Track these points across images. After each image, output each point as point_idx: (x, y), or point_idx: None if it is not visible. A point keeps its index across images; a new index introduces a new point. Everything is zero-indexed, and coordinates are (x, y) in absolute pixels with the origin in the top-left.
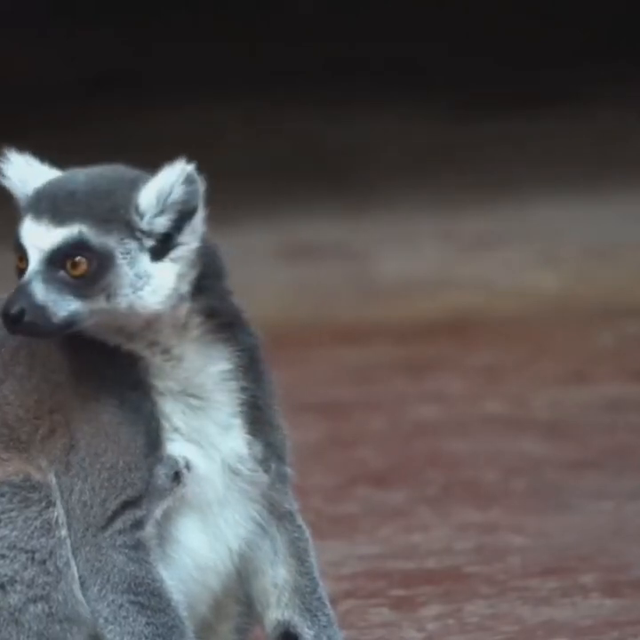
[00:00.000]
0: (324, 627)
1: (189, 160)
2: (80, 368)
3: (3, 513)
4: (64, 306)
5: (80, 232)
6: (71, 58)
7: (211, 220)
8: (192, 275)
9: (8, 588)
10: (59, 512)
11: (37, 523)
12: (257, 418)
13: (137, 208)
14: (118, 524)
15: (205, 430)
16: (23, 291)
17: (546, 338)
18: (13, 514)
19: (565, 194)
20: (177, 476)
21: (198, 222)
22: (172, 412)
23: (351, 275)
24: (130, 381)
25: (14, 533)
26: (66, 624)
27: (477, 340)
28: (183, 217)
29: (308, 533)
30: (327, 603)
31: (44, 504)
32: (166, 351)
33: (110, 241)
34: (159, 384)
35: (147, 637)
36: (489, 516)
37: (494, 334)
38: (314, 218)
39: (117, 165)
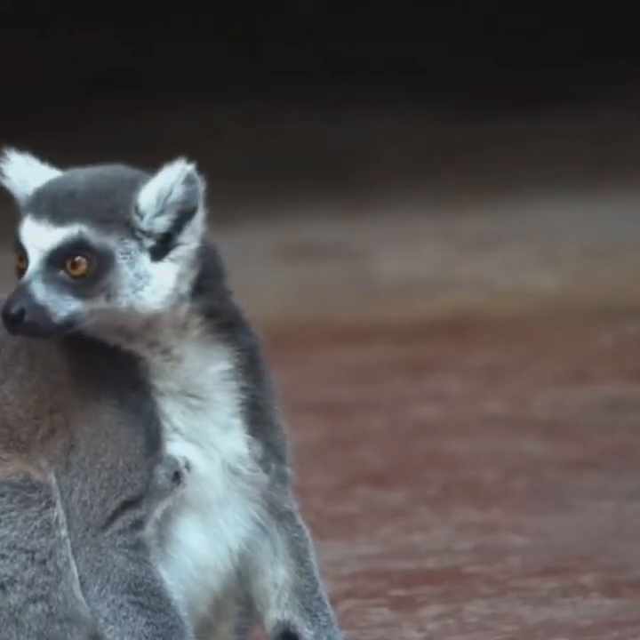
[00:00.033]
0: (324, 627)
1: (189, 160)
2: (80, 368)
3: (3, 513)
4: (64, 306)
5: (80, 232)
6: (71, 58)
7: (211, 220)
8: (192, 275)
9: (8, 587)
10: (59, 512)
11: (37, 523)
12: (257, 418)
13: (137, 208)
14: (118, 524)
15: (205, 430)
16: (23, 291)
17: (546, 338)
18: (13, 514)
19: (565, 194)
20: (177, 476)
21: (198, 222)
22: (172, 412)
23: (351, 275)
24: (130, 381)
25: (14, 533)
26: (66, 624)
27: (477, 340)
28: (183, 217)
29: (307, 533)
30: (327, 603)
31: (43, 504)
32: (166, 351)
33: (110, 241)
34: (159, 384)
35: (147, 637)
36: (489, 515)
37: (494, 334)
38: (314, 218)
39: (117, 165)
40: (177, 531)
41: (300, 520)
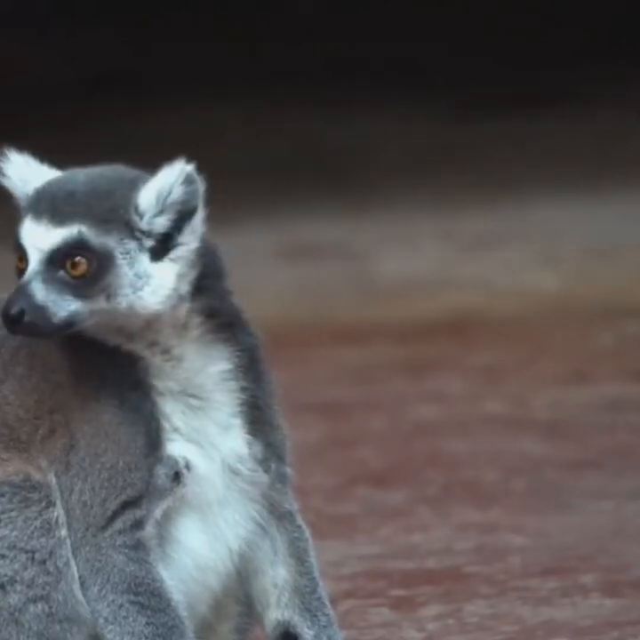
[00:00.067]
0: (324, 627)
1: (189, 160)
2: (80, 368)
3: (3, 513)
4: (64, 306)
5: (80, 232)
6: (71, 58)
7: (211, 220)
8: (192, 275)
9: (8, 587)
10: (59, 512)
11: (37, 523)
12: (257, 418)
13: (136, 208)
14: (118, 524)
15: (205, 430)
16: (23, 291)
17: (546, 338)
18: (13, 514)
19: (565, 194)
20: (177, 476)
21: (198, 222)
22: (172, 413)
23: (351, 275)
24: (130, 381)
25: (14, 533)
26: (66, 624)
27: (477, 340)
28: (183, 217)
29: (307, 533)
30: (327, 603)
31: (44, 504)
32: (166, 351)
33: (110, 241)
34: (159, 384)
35: (147, 637)
36: (489, 515)
37: (494, 334)
38: (314, 218)
39: (117, 165)
40: (177, 531)
41: (299, 520)
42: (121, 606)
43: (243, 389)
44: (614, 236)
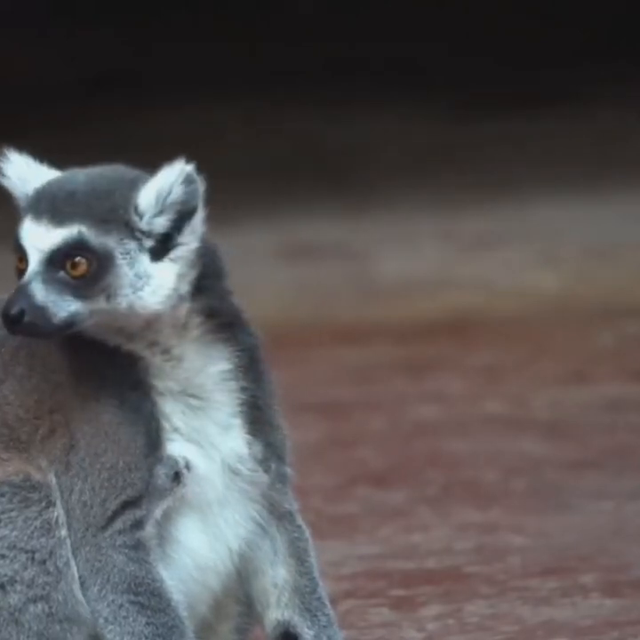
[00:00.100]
0: (324, 627)
1: (189, 160)
2: (80, 368)
3: (3, 513)
4: (64, 306)
5: (80, 232)
6: (71, 58)
7: (211, 220)
8: (192, 275)
9: (8, 587)
10: (59, 512)
11: (37, 523)
12: (257, 418)
13: (136, 208)
14: (118, 524)
15: (205, 430)
16: (23, 291)
17: (546, 338)
18: (13, 514)
19: (565, 194)
20: (177, 476)
21: (198, 222)
22: (172, 413)
23: (351, 275)
24: (130, 381)
25: (14, 533)
26: (66, 624)
27: (477, 340)
28: (183, 217)
29: (307, 533)
30: (327, 603)
31: (44, 504)
32: (166, 351)
33: (110, 241)
34: (159, 384)
35: (147, 637)
36: (489, 515)
37: (494, 334)
38: (314, 218)
39: (117, 165)
40: (177, 531)
41: (299, 520)
42: (121, 606)
43: (243, 389)
44: (614, 236)
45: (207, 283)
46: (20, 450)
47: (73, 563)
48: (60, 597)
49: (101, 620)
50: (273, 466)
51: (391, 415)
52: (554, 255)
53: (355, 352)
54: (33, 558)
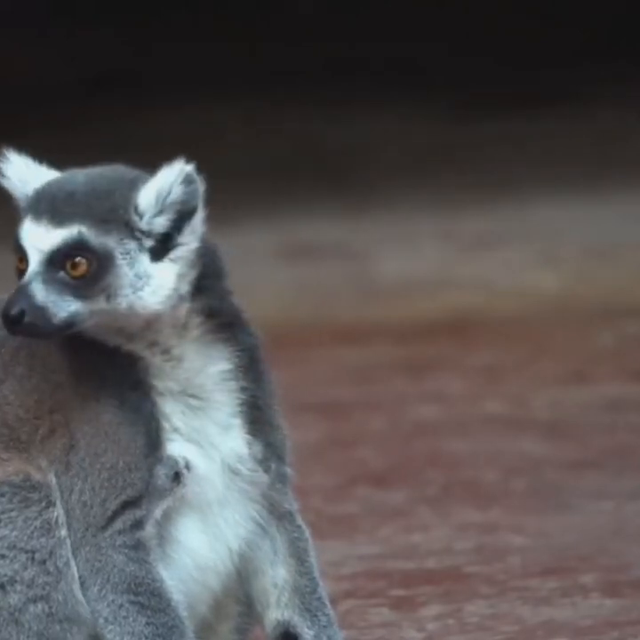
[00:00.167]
0: (324, 627)
1: (189, 160)
2: (80, 368)
3: (3, 513)
4: (64, 307)
5: (80, 233)
6: (71, 58)
7: (211, 220)
8: (192, 275)
9: (8, 587)
10: (59, 512)
11: (37, 523)
12: (257, 418)
13: (136, 208)
14: (118, 524)
15: (205, 430)
16: (23, 292)
17: (546, 338)
18: (13, 514)
19: (565, 194)
20: (177, 476)
21: (198, 222)
22: (172, 413)
23: (351, 275)
24: (130, 382)
25: (14, 533)
26: (66, 624)
27: (477, 340)
28: (182, 217)
29: (307, 533)
30: (327, 603)
31: (44, 504)
32: (166, 351)
33: (110, 241)
34: (159, 384)
35: (147, 637)
36: (489, 515)
37: (494, 334)
38: (314, 218)
39: (117, 165)
40: (177, 531)
41: (299, 520)
42: (121, 606)
43: (243, 389)
44: (614, 236)
45: (207, 283)
46: (20, 450)
47: (73, 563)
48: (60, 597)
49: (101, 620)
50: (273, 466)
51: (391, 415)
52: (554, 255)
53: (355, 352)
54: (33, 558)
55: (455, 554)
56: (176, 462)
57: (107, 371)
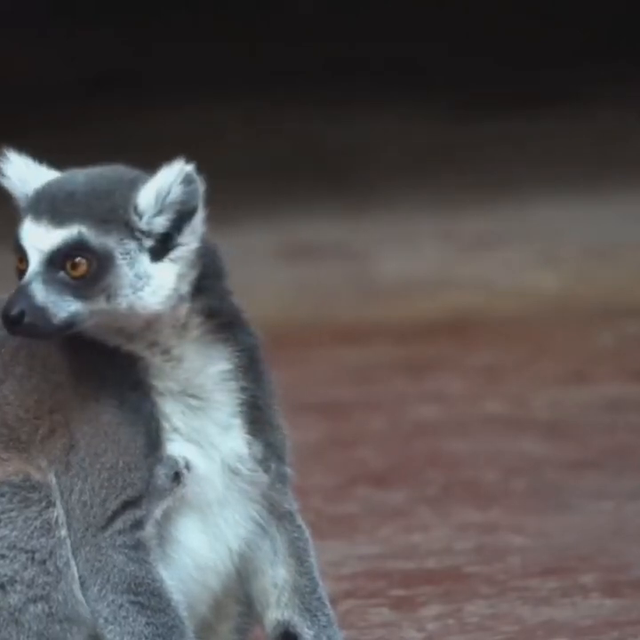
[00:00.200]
0: (324, 627)
1: (189, 160)
2: (80, 368)
3: (3, 513)
4: (64, 307)
5: (80, 233)
6: (71, 58)
7: (211, 220)
8: (192, 275)
9: (8, 587)
10: (59, 512)
11: (37, 523)
12: (257, 418)
13: (136, 208)
14: (118, 524)
15: (205, 430)
16: (23, 292)
17: (546, 338)
18: (13, 514)
19: (565, 194)
20: (177, 477)
21: (198, 222)
22: (172, 413)
23: (351, 275)
24: (130, 382)
25: (14, 533)
26: (66, 624)
27: (477, 340)
28: (182, 217)
29: (307, 533)
30: (327, 603)
31: (44, 504)
32: (166, 352)
33: (110, 241)
34: (159, 384)
35: (147, 637)
36: (489, 515)
37: (494, 334)
38: (314, 218)
39: (117, 165)
40: (177, 531)
41: (299, 520)
42: (121, 606)
43: (243, 389)
44: (614, 236)
45: (207, 283)
46: (19, 450)
47: (73, 563)
48: (60, 597)
49: (101, 620)
50: (273, 466)
51: (391, 415)
52: (554, 255)
53: (355, 352)
54: (33, 558)
55: (455, 554)
56: (176, 462)
57: (107, 371)
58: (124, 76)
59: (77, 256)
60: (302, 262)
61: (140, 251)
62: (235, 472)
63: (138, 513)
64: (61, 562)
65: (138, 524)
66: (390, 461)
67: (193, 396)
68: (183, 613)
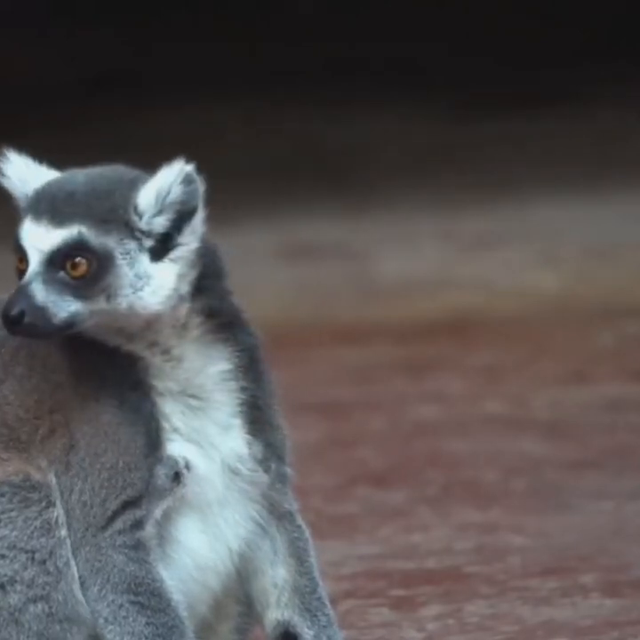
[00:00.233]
0: (324, 627)
1: (189, 160)
2: (80, 368)
3: (3, 513)
4: (64, 307)
5: (80, 233)
6: (71, 58)
7: (211, 220)
8: (192, 275)
9: (8, 587)
10: (59, 512)
11: (37, 523)
12: (257, 418)
13: (136, 208)
14: (118, 524)
15: (205, 430)
16: (23, 292)
17: (546, 338)
18: (13, 514)
19: (565, 194)
20: (177, 477)
21: (198, 222)
22: (172, 413)
23: (351, 275)
24: (130, 382)
25: (14, 533)
26: (66, 624)
27: (477, 340)
28: (182, 217)
29: (307, 533)
30: (327, 603)
31: (44, 504)
32: (166, 352)
33: (110, 241)
34: (159, 384)
35: (147, 637)
36: (489, 515)
37: (494, 334)
38: (314, 218)
39: (117, 165)
40: (177, 531)
41: (299, 520)
42: (121, 606)
43: (243, 389)
44: (614, 236)
45: (207, 283)
46: (19, 450)
47: (73, 563)
48: (60, 597)
49: (101, 620)
50: (273, 466)
51: (391, 415)
52: (554, 255)
53: (355, 352)
54: (33, 558)
55: (455, 554)
56: (176, 462)
57: (107, 371)
58: (123, 75)
59: (77, 256)
60: (302, 262)
61: (140, 251)
62: (235, 472)
63: (138, 513)
64: (61, 562)
65: (138, 524)
66: (390, 461)
67: (193, 396)
68: (183, 613)
